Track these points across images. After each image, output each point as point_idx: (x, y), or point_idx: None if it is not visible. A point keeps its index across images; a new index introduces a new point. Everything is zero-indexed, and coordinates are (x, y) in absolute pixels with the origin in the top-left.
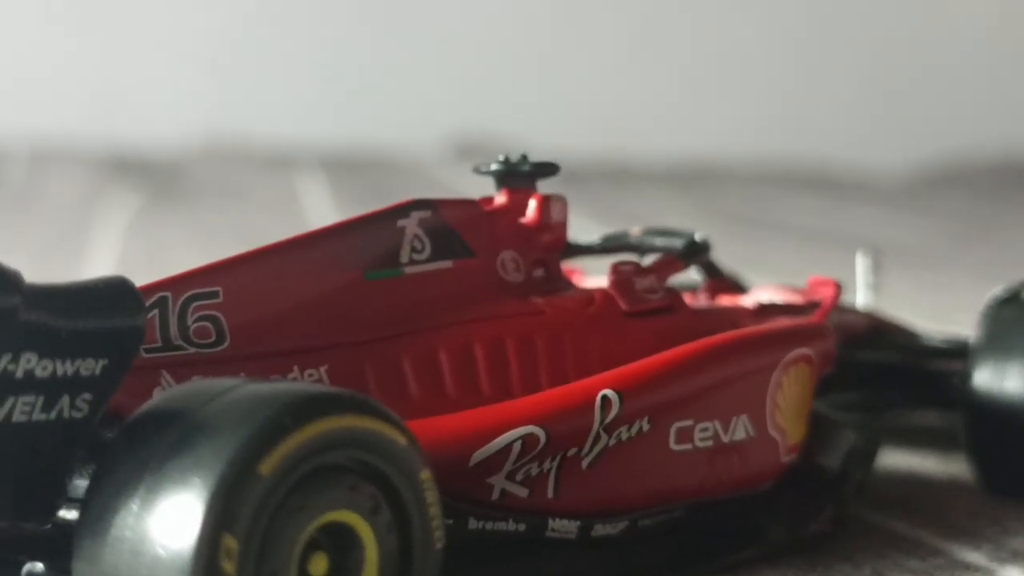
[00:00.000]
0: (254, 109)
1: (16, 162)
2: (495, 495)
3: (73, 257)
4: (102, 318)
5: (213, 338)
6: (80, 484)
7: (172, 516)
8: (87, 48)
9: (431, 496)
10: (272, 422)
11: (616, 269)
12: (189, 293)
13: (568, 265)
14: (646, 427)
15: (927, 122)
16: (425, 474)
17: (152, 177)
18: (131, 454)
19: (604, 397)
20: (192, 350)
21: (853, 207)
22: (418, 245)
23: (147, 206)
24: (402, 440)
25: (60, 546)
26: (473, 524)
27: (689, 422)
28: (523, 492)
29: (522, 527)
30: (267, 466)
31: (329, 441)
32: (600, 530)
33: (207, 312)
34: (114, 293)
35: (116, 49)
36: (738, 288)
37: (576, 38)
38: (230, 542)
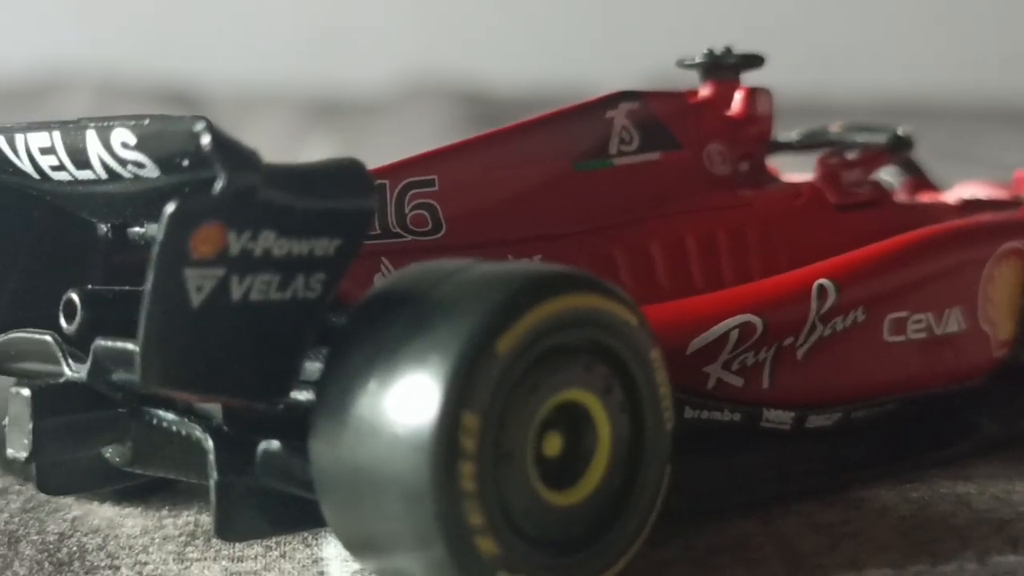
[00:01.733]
0: (457, 52)
1: (221, 106)
2: (711, 384)
3: None
4: (336, 198)
5: (429, 226)
6: (311, 367)
7: (411, 395)
8: None
9: (660, 376)
10: (509, 301)
11: (823, 162)
12: (407, 181)
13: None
14: (861, 317)
15: None
16: (655, 354)
17: (355, 118)
18: (366, 335)
19: (820, 286)
20: (409, 238)
21: None
22: (626, 136)
23: (349, 146)
24: (634, 320)
25: (292, 426)
26: (689, 413)
27: (903, 313)
28: (738, 382)
29: (737, 417)
30: (504, 344)
31: (564, 320)
32: (814, 421)
33: (424, 200)
34: (347, 174)
35: None
36: (937, 187)
37: None
38: (470, 419)
